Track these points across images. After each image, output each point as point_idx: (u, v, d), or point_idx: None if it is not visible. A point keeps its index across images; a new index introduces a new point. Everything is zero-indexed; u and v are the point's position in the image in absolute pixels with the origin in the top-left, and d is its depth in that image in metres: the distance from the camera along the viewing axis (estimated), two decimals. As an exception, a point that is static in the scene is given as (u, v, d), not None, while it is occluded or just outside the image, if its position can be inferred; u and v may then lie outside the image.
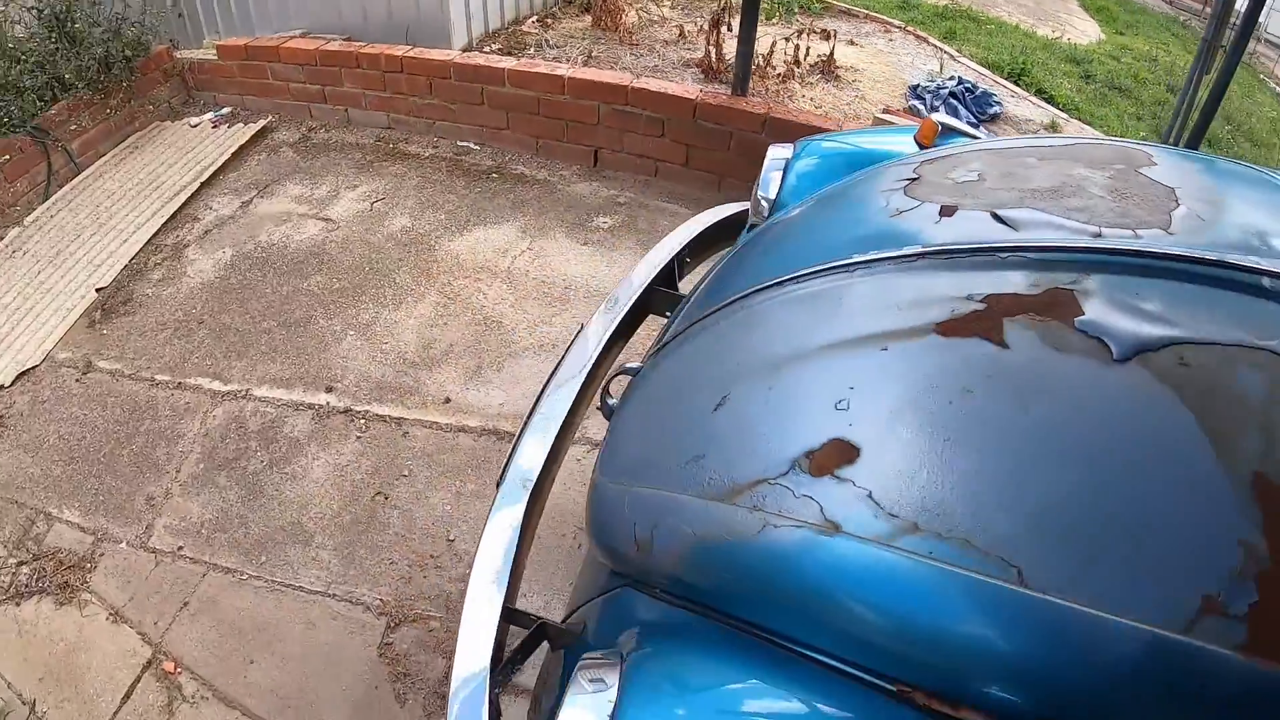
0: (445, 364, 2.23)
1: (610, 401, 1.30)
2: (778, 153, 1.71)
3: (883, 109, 3.41)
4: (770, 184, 1.66)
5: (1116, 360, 0.83)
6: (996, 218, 1.08)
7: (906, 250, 1.05)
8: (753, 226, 1.67)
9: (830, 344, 0.98)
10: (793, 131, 2.75)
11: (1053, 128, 3.95)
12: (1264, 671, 0.64)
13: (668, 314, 1.73)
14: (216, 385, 2.20)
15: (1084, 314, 0.88)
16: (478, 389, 2.17)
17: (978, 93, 3.87)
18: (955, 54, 4.60)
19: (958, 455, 0.80)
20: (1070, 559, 0.72)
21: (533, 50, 3.64)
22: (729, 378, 1.02)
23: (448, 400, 2.14)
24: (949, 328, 0.90)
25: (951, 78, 3.97)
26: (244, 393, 2.17)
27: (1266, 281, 0.93)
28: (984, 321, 0.90)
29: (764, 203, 1.65)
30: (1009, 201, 1.12)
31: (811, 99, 3.57)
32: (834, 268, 1.08)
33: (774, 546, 0.81)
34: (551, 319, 2.37)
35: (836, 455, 0.83)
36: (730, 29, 3.66)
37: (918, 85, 3.87)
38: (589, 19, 4.03)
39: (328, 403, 2.13)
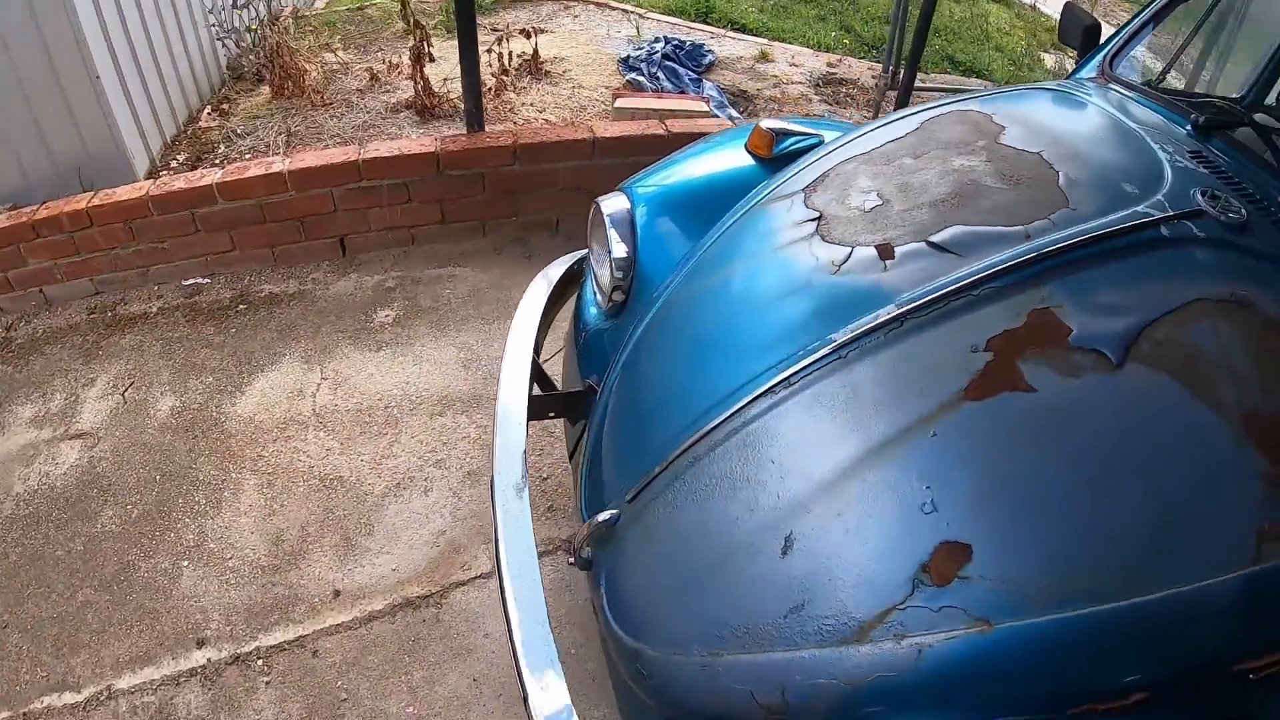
0: (309, 553, 1.90)
1: (585, 553, 1.19)
2: (612, 208, 1.60)
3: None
4: (618, 244, 1.57)
5: (1118, 366, 0.95)
6: (935, 246, 1.14)
7: (886, 316, 1.05)
8: (616, 292, 1.58)
9: (875, 446, 0.97)
10: (550, 154, 2.64)
11: (763, 57, 4.10)
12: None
13: (552, 415, 1.67)
14: (70, 698, 1.70)
15: (1073, 330, 0.98)
16: (361, 565, 1.87)
17: (688, 47, 3.93)
18: (641, 12, 4.63)
19: (1052, 509, 0.88)
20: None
21: (222, 147, 3.20)
22: (779, 515, 0.97)
23: (337, 593, 1.82)
24: (978, 391, 0.95)
25: (656, 40, 3.99)
26: (106, 693, 1.70)
27: (1165, 230, 1.13)
28: (1002, 373, 0.96)
29: (617, 269, 1.56)
30: (931, 223, 1.18)
31: (532, 105, 3.45)
32: (824, 357, 1.06)
33: (939, 664, 0.82)
34: (392, 449, 2.09)
35: (951, 558, 0.86)
36: (432, 59, 3.44)
37: (627, 57, 3.85)
38: (267, 90, 3.62)
39: (208, 659, 1.73)
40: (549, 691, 1.04)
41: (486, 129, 2.73)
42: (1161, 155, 1.41)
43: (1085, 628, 0.81)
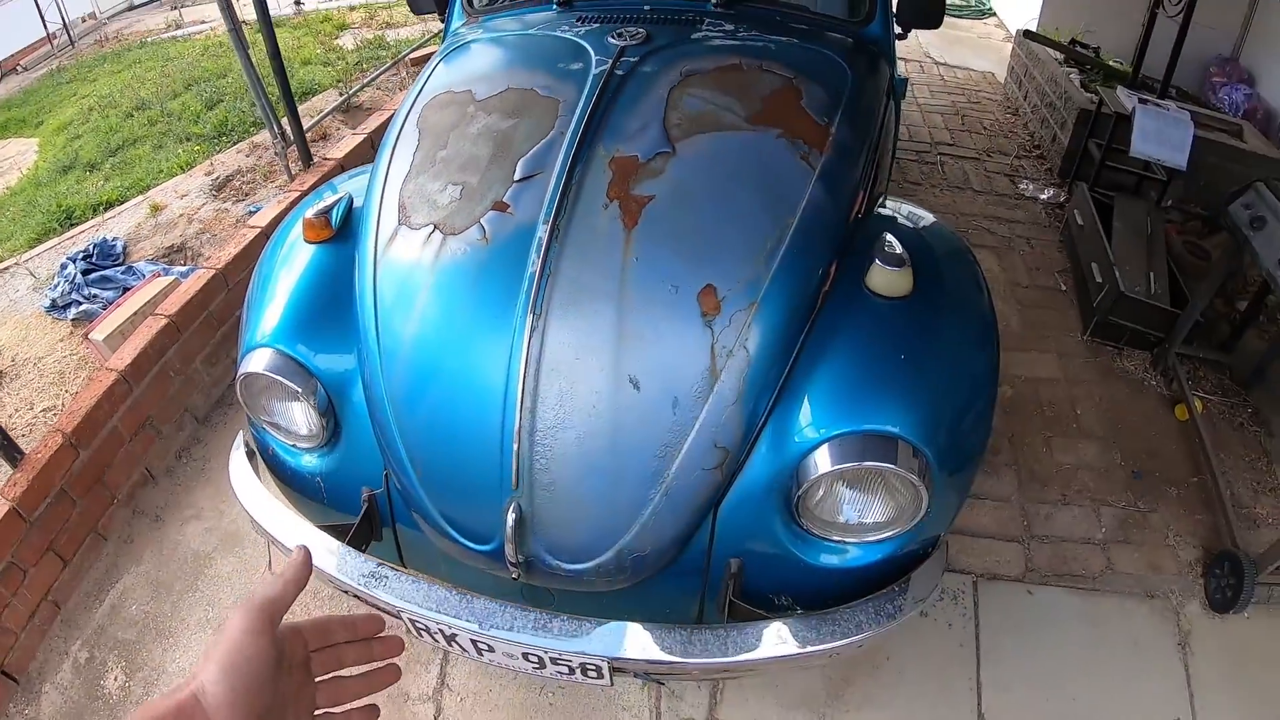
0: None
1: (518, 556, 1.44)
2: (265, 364, 1.65)
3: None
4: (302, 394, 1.65)
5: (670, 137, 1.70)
6: (522, 180, 1.62)
7: (543, 236, 1.50)
8: (325, 424, 1.67)
9: (627, 266, 1.55)
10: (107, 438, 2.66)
11: (155, 209, 4.23)
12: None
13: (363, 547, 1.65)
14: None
15: (642, 131, 1.71)
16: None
17: (92, 249, 3.81)
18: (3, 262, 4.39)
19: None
20: None
21: None
22: (621, 401, 1.49)
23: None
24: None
25: (63, 266, 3.82)
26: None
27: (619, 70, 1.81)
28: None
29: (316, 411, 1.66)
30: (506, 173, 1.66)
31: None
32: (534, 297, 1.46)
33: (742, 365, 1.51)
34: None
35: (708, 294, 1.52)
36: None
37: (52, 302, 3.58)
38: None
39: None
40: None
41: None
42: (569, 33, 2.04)
43: None
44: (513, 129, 1.74)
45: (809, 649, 1.41)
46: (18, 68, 11.28)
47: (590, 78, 1.81)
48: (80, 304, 3.63)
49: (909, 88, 5.24)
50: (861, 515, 1.50)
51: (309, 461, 1.73)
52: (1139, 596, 2.39)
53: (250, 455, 1.82)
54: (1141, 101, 3.72)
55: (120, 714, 2.19)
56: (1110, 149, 4.11)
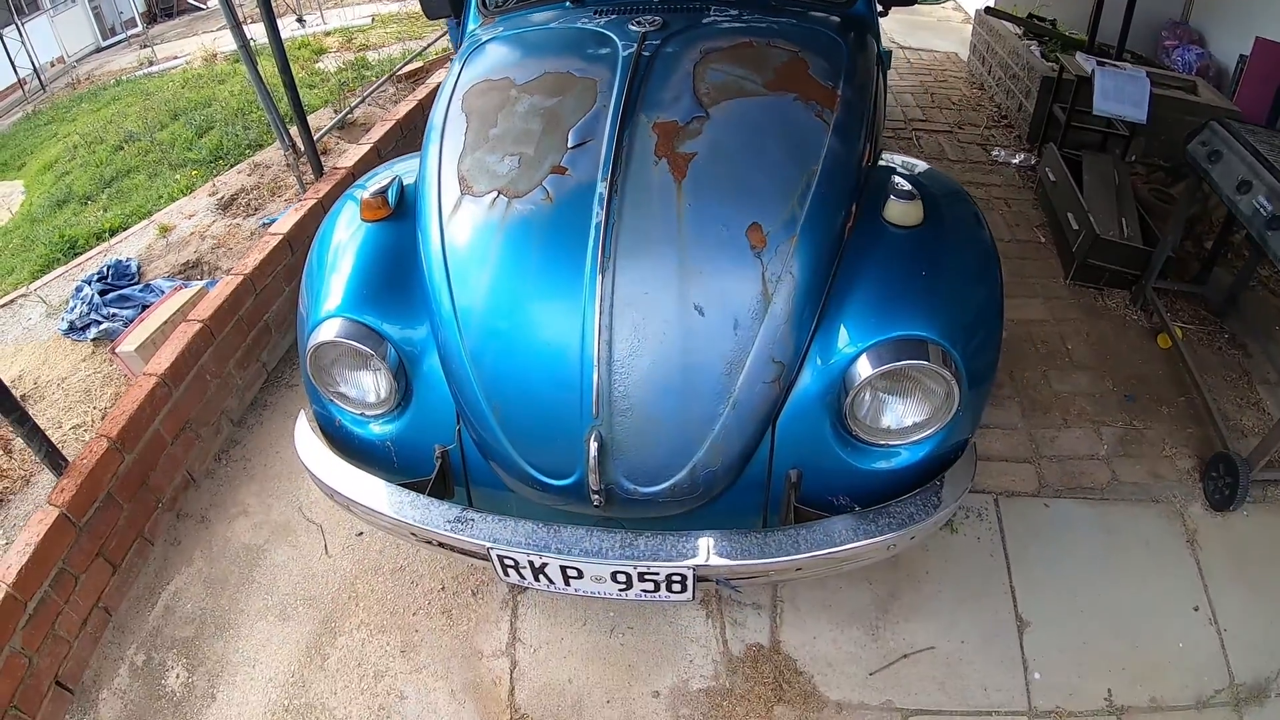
0: None
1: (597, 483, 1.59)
2: (339, 332, 1.75)
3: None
4: (375, 362, 1.77)
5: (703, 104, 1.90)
6: (576, 147, 1.79)
7: (602, 198, 1.66)
8: (393, 394, 1.78)
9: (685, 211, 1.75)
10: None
11: (164, 230, 4.33)
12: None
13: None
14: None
15: (678, 100, 1.92)
16: None
17: (108, 271, 3.87)
18: (25, 291, 4.44)
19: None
20: None
21: None
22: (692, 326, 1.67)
23: None
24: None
25: (78, 290, 3.85)
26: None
27: (645, 50, 2.01)
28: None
29: (382, 383, 1.78)
30: (560, 141, 1.83)
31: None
32: (602, 245, 1.61)
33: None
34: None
35: (756, 230, 1.73)
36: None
37: (70, 325, 3.66)
38: None
39: None
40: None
41: None
42: (590, 24, 2.22)
43: None
44: (558, 105, 1.92)
45: (870, 541, 1.57)
46: (-10, 114, 11.28)
47: (620, 59, 2.01)
48: (100, 323, 3.68)
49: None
50: (902, 417, 1.69)
51: (378, 429, 1.84)
52: (1145, 502, 2.60)
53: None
54: (1100, 64, 3.96)
55: (186, 709, 2.24)
56: (1074, 111, 4.35)
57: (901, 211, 1.81)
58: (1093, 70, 3.88)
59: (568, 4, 2.53)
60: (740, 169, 1.77)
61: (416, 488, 1.73)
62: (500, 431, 1.65)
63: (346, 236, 1.95)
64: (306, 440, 1.88)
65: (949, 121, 5.44)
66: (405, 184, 2.03)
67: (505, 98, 2.03)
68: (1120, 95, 3.77)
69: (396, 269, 1.85)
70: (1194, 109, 4.15)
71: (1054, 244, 3.95)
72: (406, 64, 5.71)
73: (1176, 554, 2.44)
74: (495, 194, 1.77)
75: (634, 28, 2.16)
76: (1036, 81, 4.88)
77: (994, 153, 4.98)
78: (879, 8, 2.76)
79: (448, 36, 4.73)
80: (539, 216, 1.70)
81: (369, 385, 1.81)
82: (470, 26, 2.70)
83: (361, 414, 1.84)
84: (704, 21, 2.27)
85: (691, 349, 1.58)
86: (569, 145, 1.80)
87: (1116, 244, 3.44)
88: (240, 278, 3.10)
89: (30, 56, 12.18)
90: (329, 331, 1.75)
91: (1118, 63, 4.12)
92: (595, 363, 1.55)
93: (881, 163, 2.14)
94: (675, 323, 1.58)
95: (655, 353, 1.57)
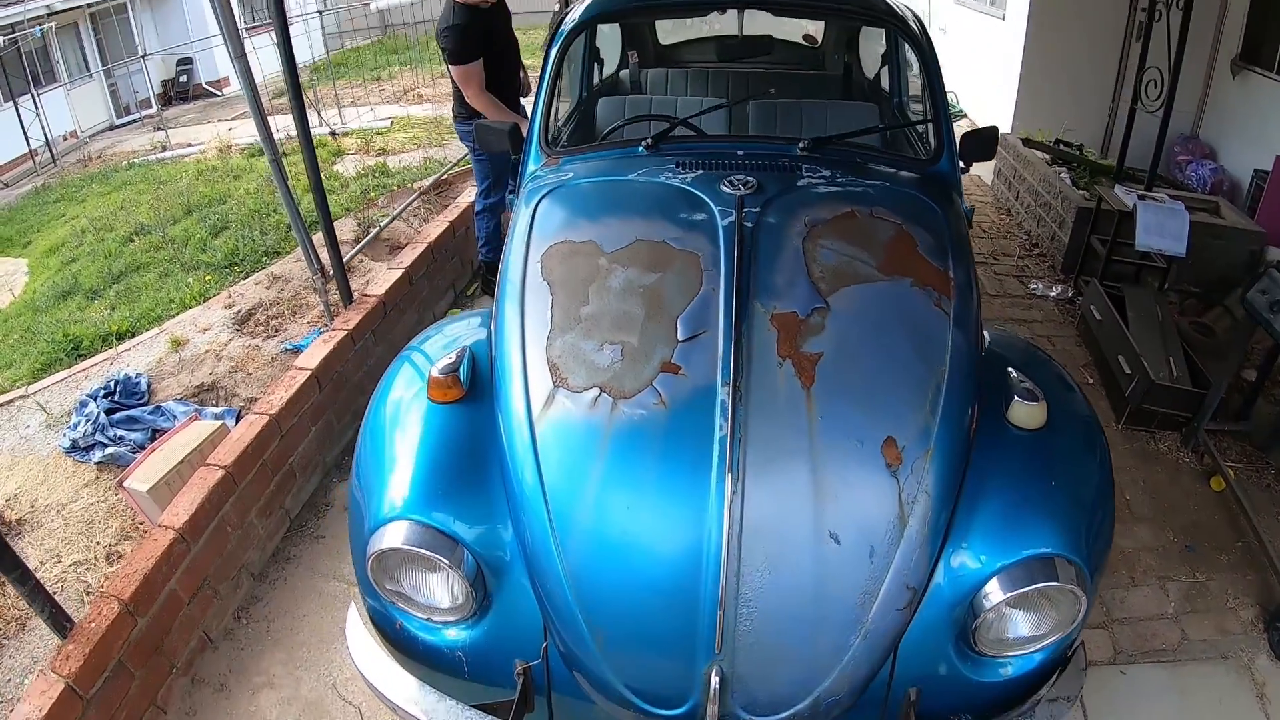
0: None
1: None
2: (401, 539, 1.61)
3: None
4: (450, 574, 1.64)
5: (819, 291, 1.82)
6: (689, 339, 1.68)
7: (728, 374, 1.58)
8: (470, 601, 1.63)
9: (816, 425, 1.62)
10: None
11: (176, 345, 4.19)
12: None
13: None
14: None
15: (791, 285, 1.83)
16: None
17: (115, 386, 3.74)
18: (24, 390, 4.27)
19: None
20: None
21: None
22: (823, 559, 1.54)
23: None
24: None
25: (82, 404, 3.71)
26: None
27: (748, 221, 1.89)
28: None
29: (458, 590, 1.64)
30: (668, 333, 1.72)
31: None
32: (728, 467, 1.48)
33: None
34: None
35: (891, 446, 1.61)
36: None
37: (73, 443, 3.50)
38: None
39: None
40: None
41: None
42: (676, 180, 2.15)
43: None
44: (659, 284, 1.80)
45: None
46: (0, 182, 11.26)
47: (721, 230, 1.89)
48: (106, 446, 3.52)
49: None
50: (1027, 631, 1.63)
51: (451, 635, 1.67)
52: (1214, 659, 2.58)
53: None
54: (1140, 198, 4.01)
55: None
56: (1115, 244, 4.34)
57: (1027, 415, 1.77)
58: (1134, 205, 3.92)
59: (641, 149, 2.42)
60: (870, 372, 1.69)
61: (493, 709, 1.58)
62: (600, 655, 1.50)
63: (411, 418, 1.79)
64: (362, 645, 1.74)
65: (983, 251, 5.38)
66: (475, 352, 1.90)
67: (594, 268, 1.89)
68: (1161, 230, 3.84)
69: (471, 460, 1.70)
70: (1220, 232, 4.25)
71: (1103, 386, 3.90)
72: (436, 178, 5.74)
73: (1248, 711, 2.41)
74: (597, 391, 1.63)
75: (727, 190, 2.05)
76: (1071, 212, 4.89)
77: (1031, 285, 4.93)
78: (960, 164, 2.72)
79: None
80: (653, 425, 1.57)
81: (440, 592, 1.65)
82: (531, 167, 2.54)
83: (429, 619, 1.67)
84: (799, 184, 2.18)
85: (825, 578, 1.49)
86: (679, 338, 1.68)
87: (1169, 388, 3.43)
88: (266, 418, 2.96)
89: (43, 128, 12.26)
90: (395, 537, 1.60)
91: (1155, 195, 4.16)
92: (721, 597, 1.42)
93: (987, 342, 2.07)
94: (809, 552, 1.49)
95: (787, 585, 1.47)
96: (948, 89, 2.90)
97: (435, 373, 1.77)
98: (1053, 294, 4.83)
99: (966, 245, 2.18)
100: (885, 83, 3.82)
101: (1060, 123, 6.15)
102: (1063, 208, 5.06)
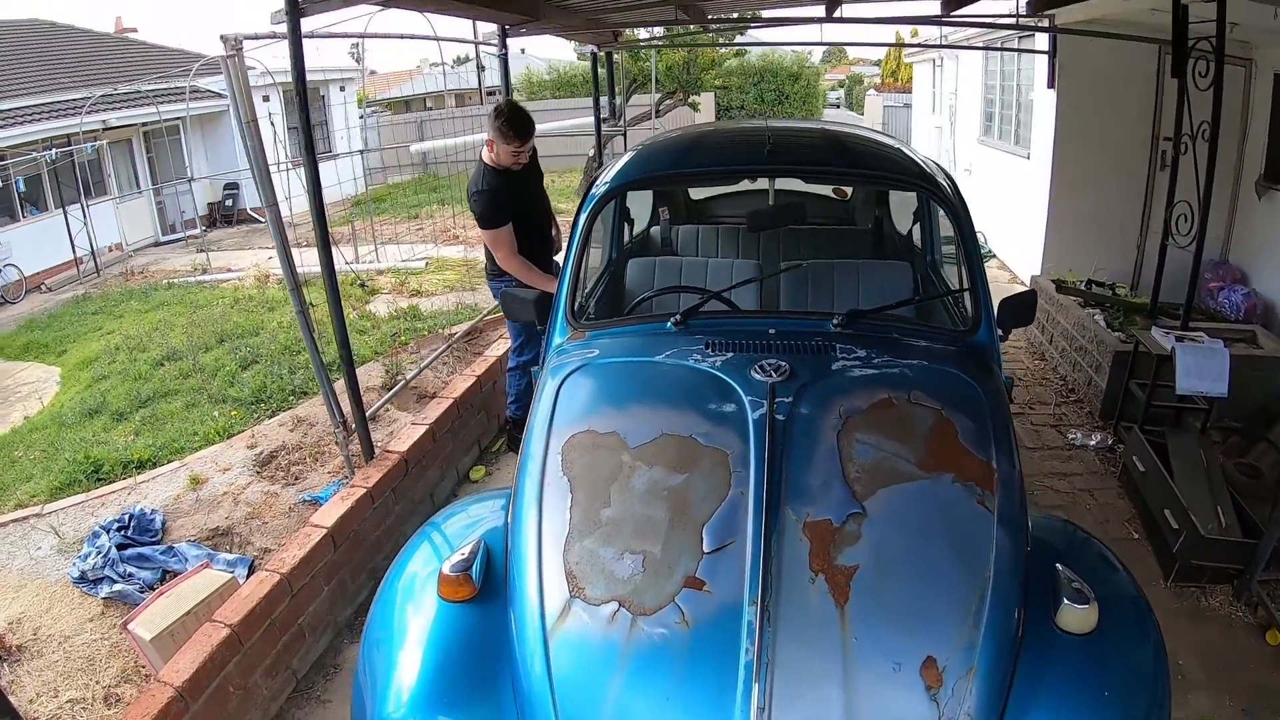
0: None
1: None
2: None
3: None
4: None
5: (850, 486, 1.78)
6: (716, 551, 1.60)
7: (753, 623, 1.47)
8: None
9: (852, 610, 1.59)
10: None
11: (196, 482, 4.26)
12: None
13: None
14: None
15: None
16: None
17: (130, 521, 3.78)
18: (39, 509, 4.32)
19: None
20: None
21: None
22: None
23: None
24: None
25: (95, 534, 3.72)
26: None
27: (779, 412, 1.85)
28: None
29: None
30: (693, 541, 1.65)
31: None
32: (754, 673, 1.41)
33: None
34: None
35: (930, 667, 1.50)
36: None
37: (82, 574, 3.55)
38: None
39: None
40: None
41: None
42: (704, 364, 2.12)
43: None
44: (684, 487, 1.73)
45: None
46: (42, 286, 11.72)
47: (751, 424, 1.83)
48: (114, 581, 3.54)
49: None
50: None
51: None
52: None
53: None
54: (1178, 339, 3.89)
55: None
56: (1155, 388, 4.17)
57: (1078, 621, 1.64)
58: (1172, 348, 3.83)
59: (670, 325, 2.40)
60: (908, 585, 1.59)
61: None
62: None
63: (420, 612, 1.77)
64: None
65: (1019, 401, 5.18)
66: (490, 545, 1.86)
67: (617, 465, 1.84)
68: (1202, 371, 3.71)
69: (480, 665, 1.65)
70: (1260, 363, 4.17)
71: (1148, 541, 3.72)
72: (468, 327, 5.92)
73: None
74: (616, 606, 1.55)
75: (758, 376, 2.00)
76: (1108, 357, 4.77)
77: (1070, 435, 4.77)
78: (999, 332, 2.63)
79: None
80: (673, 646, 1.49)
81: None
82: (557, 340, 2.52)
83: None
84: (833, 367, 2.13)
85: None
86: (705, 549, 1.60)
87: (1219, 541, 3.27)
88: (277, 576, 3.00)
89: (90, 237, 12.81)
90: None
91: (1193, 335, 4.06)
92: None
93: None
94: None
95: None
96: (975, 229, 2.81)
97: (447, 570, 1.76)
98: (1092, 443, 4.65)
99: (1008, 426, 2.09)
100: (916, 236, 3.82)
101: (1089, 259, 6.09)
102: (1099, 352, 4.96)
